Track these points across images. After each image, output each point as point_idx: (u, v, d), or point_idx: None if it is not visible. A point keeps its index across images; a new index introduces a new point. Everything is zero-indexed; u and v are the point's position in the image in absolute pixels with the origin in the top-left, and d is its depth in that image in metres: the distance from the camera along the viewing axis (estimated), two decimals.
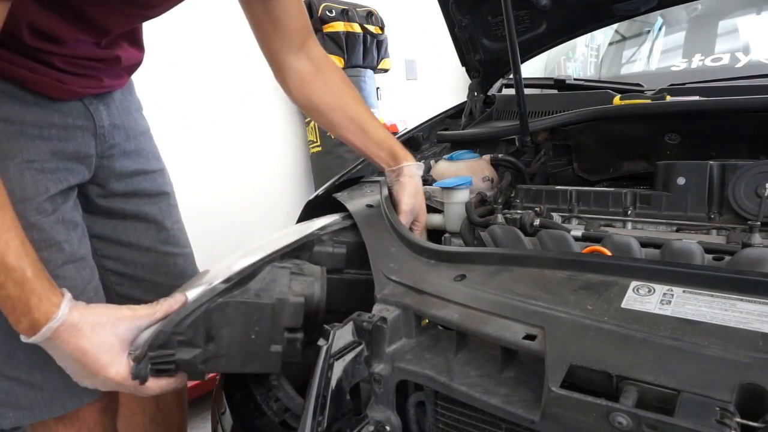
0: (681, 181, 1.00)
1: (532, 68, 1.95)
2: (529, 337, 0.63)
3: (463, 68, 1.79)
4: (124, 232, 1.08)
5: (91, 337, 0.71)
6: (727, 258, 0.81)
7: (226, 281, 0.80)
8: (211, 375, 2.06)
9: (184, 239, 1.21)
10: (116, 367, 0.73)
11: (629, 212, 1.04)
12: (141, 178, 1.09)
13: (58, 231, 0.88)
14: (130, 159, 1.06)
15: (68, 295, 0.74)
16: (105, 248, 1.07)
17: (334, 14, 2.82)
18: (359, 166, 1.39)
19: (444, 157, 1.37)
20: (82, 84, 0.90)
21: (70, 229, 0.91)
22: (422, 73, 4.09)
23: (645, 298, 0.65)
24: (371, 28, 2.99)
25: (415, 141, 1.57)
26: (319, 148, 3.06)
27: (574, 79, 1.72)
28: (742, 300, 0.61)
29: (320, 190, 1.31)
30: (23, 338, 0.71)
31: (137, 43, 1.01)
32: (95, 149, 0.97)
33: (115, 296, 1.10)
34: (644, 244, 0.88)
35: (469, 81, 1.80)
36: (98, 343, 0.72)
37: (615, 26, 2.00)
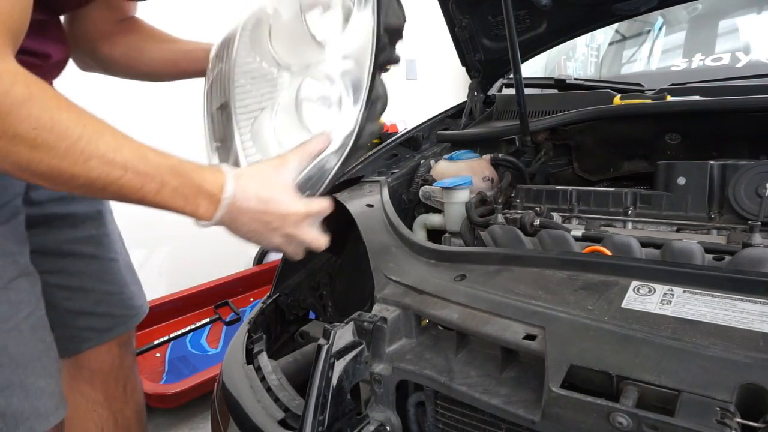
0: (681, 181, 1.00)
1: (532, 68, 1.95)
2: (530, 337, 0.63)
3: (463, 68, 1.79)
4: (64, 242, 1.04)
5: (265, 184, 0.74)
6: (728, 258, 0.81)
7: None
8: (210, 375, 2.06)
9: (120, 246, 1.18)
10: (298, 203, 0.77)
11: (629, 212, 1.04)
12: None
13: (11, 241, 0.86)
14: None
15: (222, 164, 0.75)
16: (45, 263, 1.01)
17: None
18: (359, 166, 1.39)
19: (444, 157, 1.37)
20: None
21: (21, 242, 0.89)
22: (422, 73, 4.09)
23: (645, 298, 0.65)
24: None
25: (415, 141, 1.57)
26: None
27: (575, 79, 1.72)
28: (742, 300, 0.61)
29: (320, 190, 1.30)
30: (206, 224, 0.72)
31: (62, 39, 0.94)
32: None
33: (64, 312, 1.06)
34: (644, 244, 0.87)
35: (469, 81, 1.80)
36: (273, 187, 0.75)
37: (615, 26, 1.99)
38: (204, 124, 0.94)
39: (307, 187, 0.81)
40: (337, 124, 0.84)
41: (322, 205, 0.81)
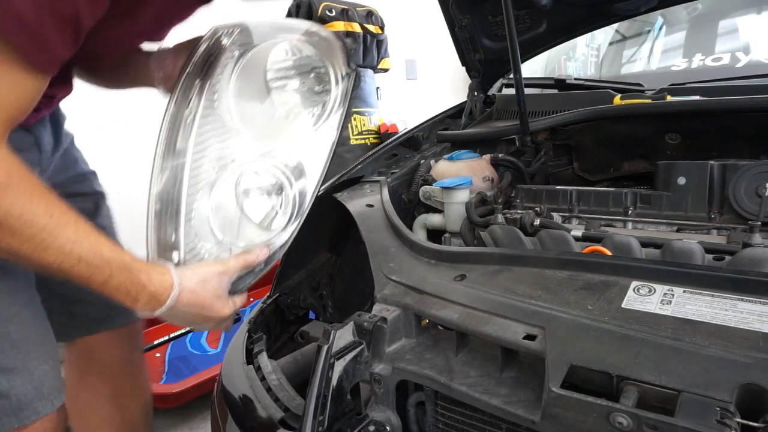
0: (681, 180, 1.00)
1: (532, 68, 1.95)
2: (530, 337, 0.63)
3: (463, 68, 1.79)
4: None
5: (204, 293, 0.83)
6: (728, 258, 0.81)
7: None
8: (210, 375, 2.06)
9: (116, 239, 1.20)
10: (228, 307, 0.88)
11: (629, 212, 1.04)
12: (74, 183, 1.09)
13: None
14: (63, 170, 1.06)
15: (170, 264, 0.82)
16: None
17: (334, 14, 2.82)
18: (359, 166, 1.39)
19: (444, 157, 1.37)
20: (28, 117, 0.89)
21: None
22: (422, 73, 4.09)
23: (645, 298, 0.65)
24: (371, 27, 2.99)
25: (415, 141, 1.57)
26: None
27: (575, 79, 1.72)
28: (742, 300, 0.61)
29: (320, 190, 1.31)
30: (145, 314, 0.80)
31: (69, 79, 0.98)
32: (39, 165, 0.97)
33: (59, 299, 1.08)
34: (645, 244, 0.87)
35: (469, 81, 1.80)
36: (211, 295, 0.84)
37: (615, 26, 1.99)
38: (152, 173, 0.89)
39: (235, 285, 0.91)
40: (275, 234, 0.97)
41: (243, 301, 0.93)
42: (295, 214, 0.99)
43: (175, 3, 0.86)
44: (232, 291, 0.89)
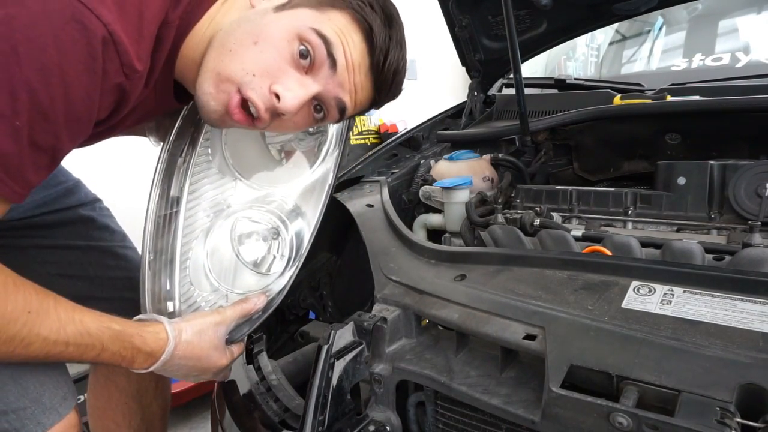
0: (681, 181, 1.00)
1: (532, 68, 1.95)
2: (530, 337, 0.63)
3: (463, 68, 1.79)
4: (59, 238, 1.06)
5: (201, 344, 0.82)
6: (728, 258, 0.81)
7: None
8: None
9: (122, 235, 1.18)
10: (225, 357, 0.86)
11: (629, 212, 1.04)
12: (60, 198, 1.07)
13: None
14: (43, 187, 1.02)
15: (164, 318, 0.80)
16: (42, 255, 1.03)
17: None
18: (359, 166, 1.39)
19: (444, 157, 1.37)
20: None
21: None
22: (422, 73, 4.08)
23: (645, 298, 0.65)
24: None
25: (415, 141, 1.57)
26: None
27: (575, 79, 1.72)
28: (742, 300, 0.61)
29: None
30: (141, 371, 0.78)
31: None
32: None
33: (71, 299, 1.07)
34: (645, 244, 0.87)
35: (469, 81, 1.80)
36: (208, 346, 0.83)
37: (615, 26, 1.99)
38: (145, 227, 0.88)
39: (233, 335, 0.89)
40: (273, 280, 0.95)
41: (241, 351, 0.92)
42: (293, 258, 0.97)
43: (156, 108, 0.84)
44: (230, 340, 0.88)
